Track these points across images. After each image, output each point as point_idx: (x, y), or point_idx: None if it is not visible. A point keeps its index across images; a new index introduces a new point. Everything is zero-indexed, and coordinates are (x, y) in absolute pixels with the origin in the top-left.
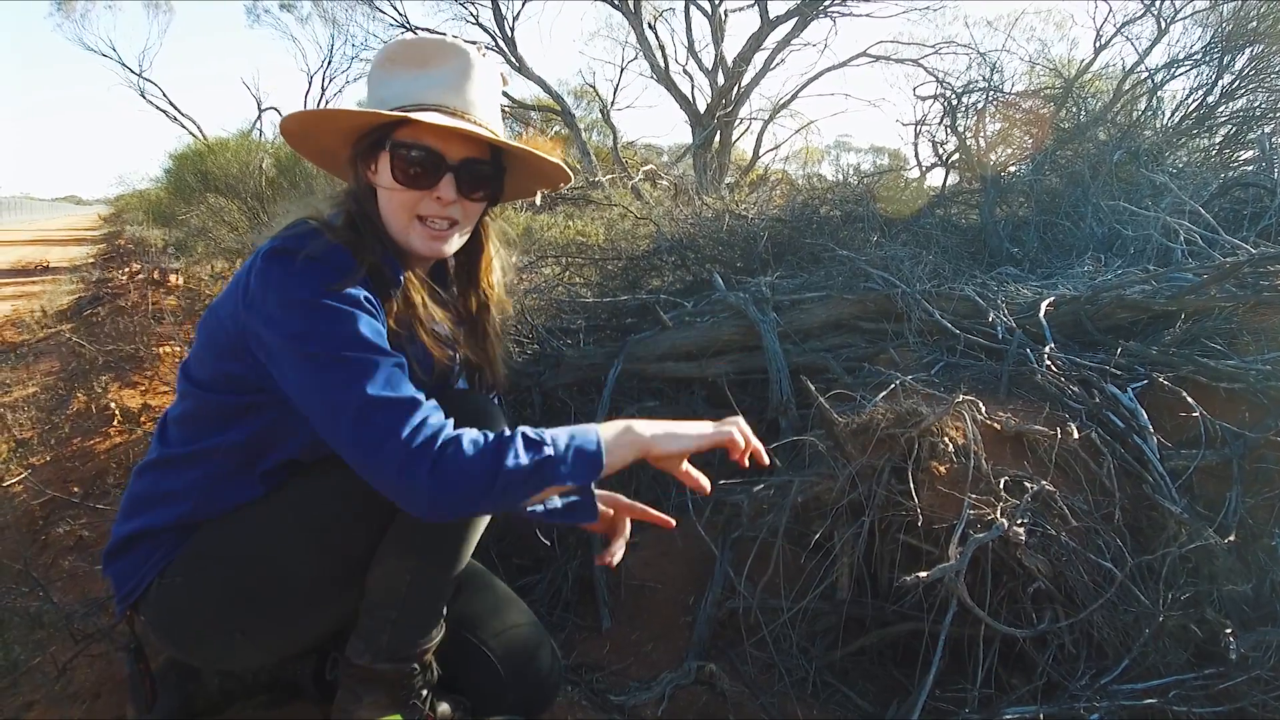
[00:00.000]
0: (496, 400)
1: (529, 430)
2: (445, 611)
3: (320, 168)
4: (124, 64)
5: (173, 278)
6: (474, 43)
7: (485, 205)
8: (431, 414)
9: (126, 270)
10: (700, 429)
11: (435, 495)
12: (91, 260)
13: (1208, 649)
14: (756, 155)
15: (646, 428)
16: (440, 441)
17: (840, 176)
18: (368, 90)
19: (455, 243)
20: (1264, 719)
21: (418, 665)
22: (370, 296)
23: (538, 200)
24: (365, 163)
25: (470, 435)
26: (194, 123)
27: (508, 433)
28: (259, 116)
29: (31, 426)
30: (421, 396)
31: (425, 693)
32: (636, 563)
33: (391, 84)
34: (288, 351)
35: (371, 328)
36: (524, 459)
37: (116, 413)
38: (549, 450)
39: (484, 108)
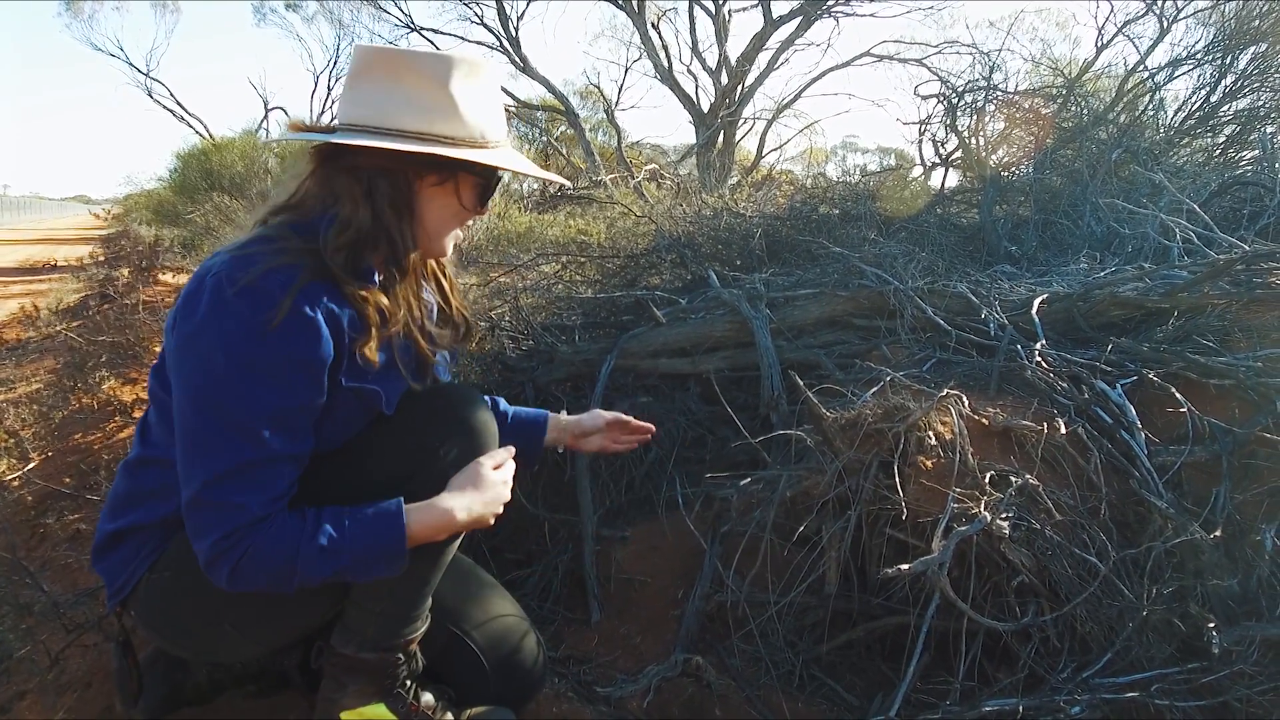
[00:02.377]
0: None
1: (327, 535)
2: (430, 602)
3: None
4: (131, 64)
5: (164, 274)
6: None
7: None
8: (244, 524)
9: (129, 268)
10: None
11: (233, 588)
12: (92, 260)
13: (1192, 644)
14: (760, 155)
15: (457, 502)
16: (241, 554)
17: (844, 176)
18: (437, 93)
19: None
20: (1247, 713)
21: (402, 655)
22: (330, 311)
23: (521, 185)
24: (423, 174)
25: (273, 540)
26: (201, 122)
27: (307, 545)
28: (265, 116)
29: (33, 422)
30: (247, 505)
31: (409, 682)
32: (627, 556)
33: (479, 105)
34: (181, 387)
35: (283, 388)
36: (316, 573)
37: (116, 409)
38: (345, 560)
39: None
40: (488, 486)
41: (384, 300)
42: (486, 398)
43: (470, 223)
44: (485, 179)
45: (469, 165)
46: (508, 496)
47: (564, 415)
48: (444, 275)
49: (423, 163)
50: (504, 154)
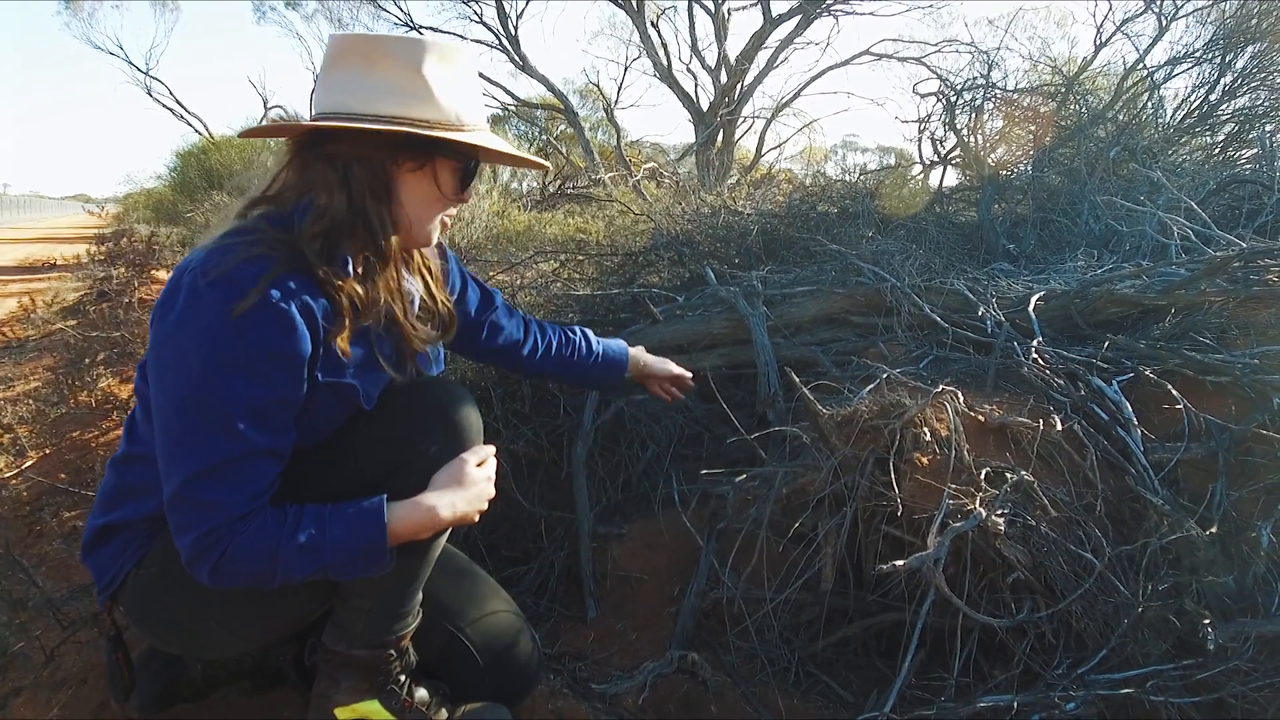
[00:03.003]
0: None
1: (307, 533)
2: (420, 598)
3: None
4: (131, 62)
5: (161, 272)
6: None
7: None
8: (222, 522)
9: (126, 266)
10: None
11: (215, 585)
12: (90, 258)
13: (1188, 640)
14: (759, 154)
15: (440, 500)
16: (221, 553)
17: (843, 175)
18: (411, 78)
19: None
20: (1242, 710)
21: (394, 651)
22: (305, 305)
23: (520, 184)
24: (400, 161)
25: (252, 538)
26: (200, 121)
27: (286, 544)
28: (265, 115)
29: (30, 419)
30: (227, 503)
31: (403, 678)
32: (623, 554)
33: (454, 88)
34: (159, 384)
35: (261, 383)
36: (297, 571)
37: (112, 406)
38: (326, 558)
39: None
40: (471, 483)
41: (359, 290)
42: (576, 329)
43: (453, 211)
44: (463, 163)
45: (445, 148)
46: (492, 493)
47: (643, 353)
48: (428, 269)
49: (399, 147)
50: (481, 136)
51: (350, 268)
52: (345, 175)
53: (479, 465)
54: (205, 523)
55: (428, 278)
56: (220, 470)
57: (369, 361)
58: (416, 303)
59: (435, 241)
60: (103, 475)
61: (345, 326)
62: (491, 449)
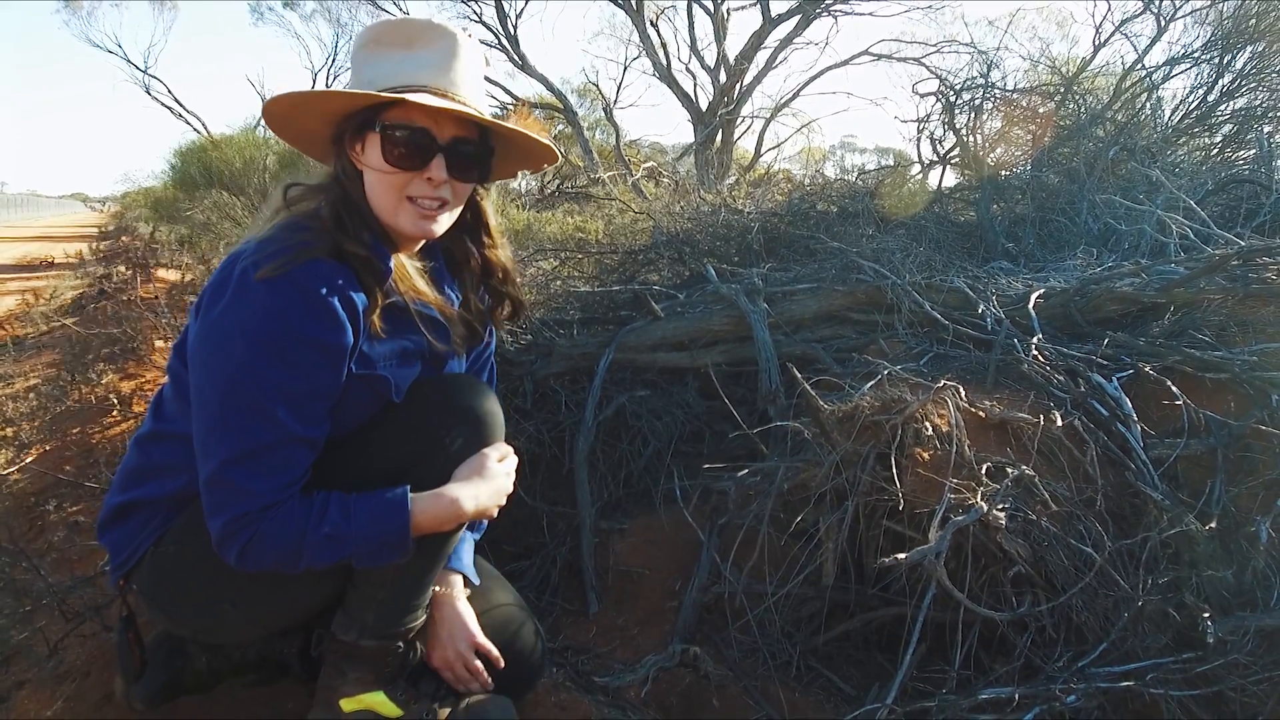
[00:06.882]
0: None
1: (332, 523)
2: (431, 592)
3: (302, 151)
4: (130, 61)
5: (162, 270)
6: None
7: (475, 185)
8: (254, 509)
9: (126, 264)
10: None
11: (241, 567)
12: (94, 255)
13: (1187, 634)
14: (758, 154)
15: (463, 492)
16: (249, 537)
17: (842, 176)
18: (352, 71)
19: (445, 222)
20: (1241, 703)
21: (402, 643)
22: (348, 298)
23: (519, 182)
24: (351, 144)
25: (280, 526)
26: (199, 120)
27: (313, 532)
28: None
29: (30, 414)
30: (260, 490)
31: (409, 670)
32: (625, 549)
33: (378, 65)
34: (202, 369)
35: (301, 373)
36: (321, 558)
37: (115, 402)
38: (350, 547)
39: (471, 88)
40: (493, 477)
41: (380, 268)
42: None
43: (425, 191)
44: (392, 135)
45: (361, 119)
46: (510, 488)
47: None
48: (489, 274)
49: (345, 128)
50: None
51: (386, 257)
52: (337, 169)
53: (500, 460)
54: (238, 507)
55: (491, 273)
56: (256, 456)
57: (402, 355)
58: (456, 305)
59: (420, 228)
60: (107, 468)
61: (377, 302)
62: (511, 447)
